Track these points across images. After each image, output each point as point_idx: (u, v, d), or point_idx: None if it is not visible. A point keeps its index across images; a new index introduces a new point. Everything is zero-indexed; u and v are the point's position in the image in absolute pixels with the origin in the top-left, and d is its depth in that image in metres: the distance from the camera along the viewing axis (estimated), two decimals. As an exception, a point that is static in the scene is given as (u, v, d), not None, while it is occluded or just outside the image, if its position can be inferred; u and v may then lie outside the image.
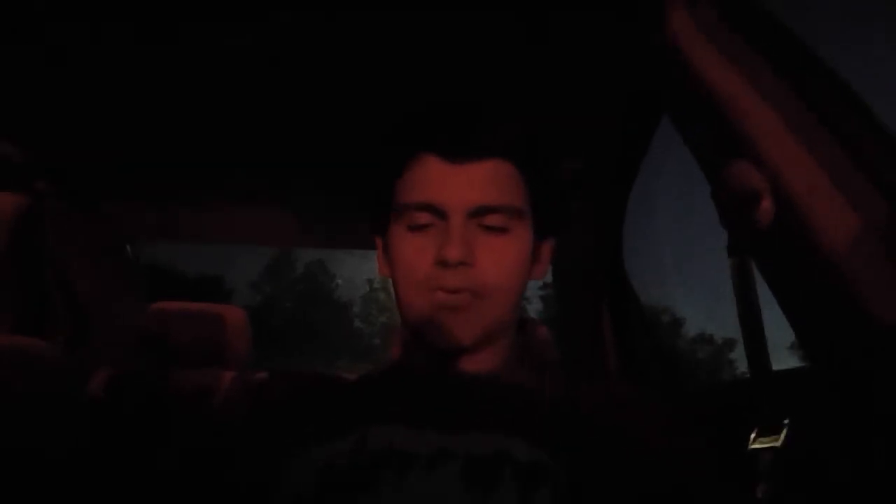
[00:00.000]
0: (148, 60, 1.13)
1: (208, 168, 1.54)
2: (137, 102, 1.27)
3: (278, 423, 0.71)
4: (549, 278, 1.72)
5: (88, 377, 1.39)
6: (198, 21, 1.03)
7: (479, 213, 0.70)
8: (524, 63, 1.13)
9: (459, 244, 0.68)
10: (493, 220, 0.71)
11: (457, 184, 0.70)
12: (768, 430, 0.70)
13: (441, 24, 1.03)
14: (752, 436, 0.71)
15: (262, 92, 1.24)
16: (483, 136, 0.72)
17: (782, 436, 0.68)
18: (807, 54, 0.76)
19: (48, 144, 1.41)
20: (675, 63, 0.89)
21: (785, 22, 0.78)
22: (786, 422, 0.69)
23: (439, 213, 0.70)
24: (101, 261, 1.80)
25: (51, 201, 1.54)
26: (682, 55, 0.87)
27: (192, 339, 1.56)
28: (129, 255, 1.89)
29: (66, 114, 1.31)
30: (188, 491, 0.69)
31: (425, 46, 1.09)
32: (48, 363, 0.83)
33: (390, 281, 0.77)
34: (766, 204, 0.71)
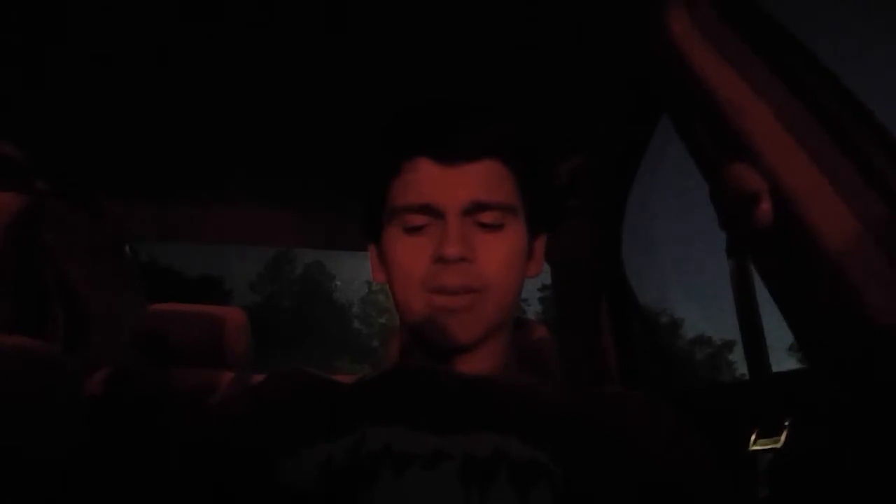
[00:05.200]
0: (148, 60, 1.14)
1: (208, 169, 1.54)
2: (138, 103, 1.27)
3: (277, 424, 0.71)
4: (547, 279, 1.72)
5: (87, 377, 1.39)
6: (197, 21, 1.03)
7: (473, 209, 0.71)
8: (524, 62, 1.13)
9: (458, 240, 0.69)
10: (487, 216, 0.71)
11: (450, 184, 0.71)
12: (768, 432, 0.70)
13: (441, 24, 1.04)
14: (753, 437, 0.71)
15: (262, 93, 1.24)
16: (472, 138, 0.73)
17: (783, 437, 0.68)
18: (806, 55, 0.76)
19: (48, 144, 1.41)
20: (674, 63, 0.89)
21: (784, 23, 0.78)
22: (786, 423, 0.69)
23: (435, 212, 0.71)
24: (100, 261, 1.80)
25: (50, 201, 1.54)
26: (682, 56, 0.87)
27: (191, 339, 1.55)
28: (129, 255, 1.89)
29: (65, 114, 1.32)
30: (187, 491, 0.69)
31: (425, 47, 1.09)
32: (47, 363, 0.83)
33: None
34: (765, 205, 0.71)
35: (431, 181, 0.71)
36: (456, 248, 0.68)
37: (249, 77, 1.18)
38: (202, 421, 0.81)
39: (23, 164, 1.09)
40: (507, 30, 1.05)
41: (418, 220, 0.72)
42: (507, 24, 1.03)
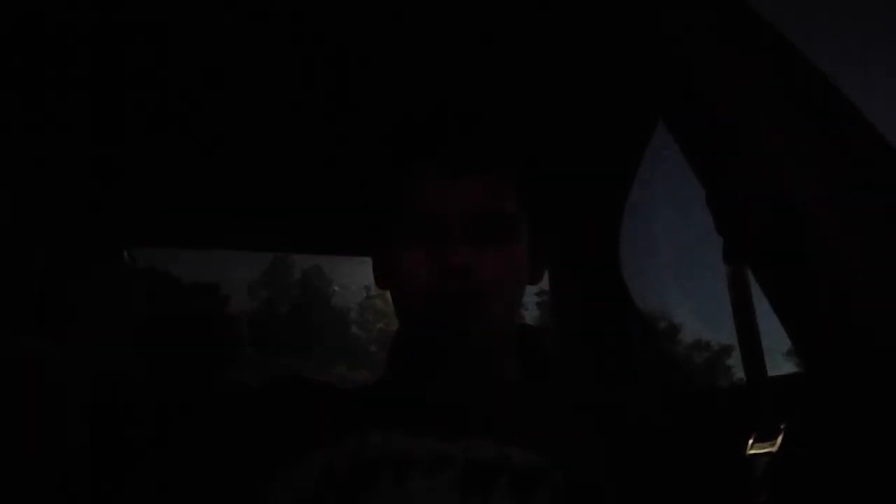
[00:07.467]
0: (147, 60, 1.14)
1: (206, 174, 1.54)
2: (136, 104, 1.27)
3: (277, 430, 0.71)
4: (545, 284, 1.72)
5: (87, 378, 1.38)
6: (197, 21, 1.03)
7: (478, 221, 0.71)
8: (521, 64, 1.13)
9: (462, 252, 0.69)
10: (491, 226, 0.71)
11: (455, 194, 0.72)
12: (765, 436, 0.70)
13: (440, 24, 1.04)
14: (750, 441, 0.71)
15: (261, 97, 1.24)
16: (477, 148, 0.73)
17: (778, 441, 0.68)
18: (804, 58, 0.76)
19: (47, 146, 1.40)
20: (672, 66, 0.89)
21: (784, 22, 0.79)
22: (782, 427, 0.69)
23: (440, 223, 0.71)
24: (98, 265, 1.80)
25: (49, 204, 1.54)
26: (680, 58, 0.87)
27: (189, 343, 1.55)
28: (128, 259, 1.88)
29: (63, 115, 1.31)
30: (186, 494, 0.69)
31: (424, 48, 1.09)
32: (45, 365, 0.83)
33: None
34: (763, 210, 0.71)
35: (436, 192, 0.72)
36: (459, 260, 0.69)
37: (249, 79, 1.18)
38: (201, 427, 0.81)
39: (22, 164, 1.09)
40: (506, 30, 1.05)
41: (423, 228, 0.72)
42: (506, 24, 1.03)
